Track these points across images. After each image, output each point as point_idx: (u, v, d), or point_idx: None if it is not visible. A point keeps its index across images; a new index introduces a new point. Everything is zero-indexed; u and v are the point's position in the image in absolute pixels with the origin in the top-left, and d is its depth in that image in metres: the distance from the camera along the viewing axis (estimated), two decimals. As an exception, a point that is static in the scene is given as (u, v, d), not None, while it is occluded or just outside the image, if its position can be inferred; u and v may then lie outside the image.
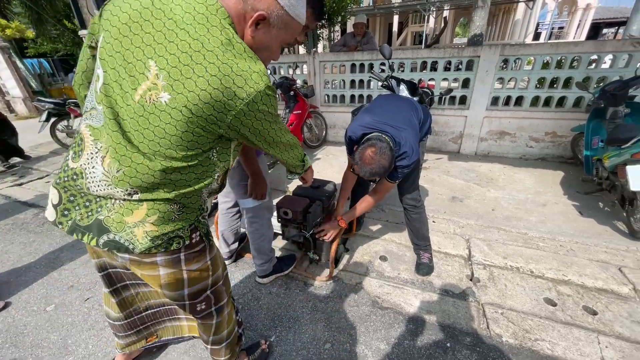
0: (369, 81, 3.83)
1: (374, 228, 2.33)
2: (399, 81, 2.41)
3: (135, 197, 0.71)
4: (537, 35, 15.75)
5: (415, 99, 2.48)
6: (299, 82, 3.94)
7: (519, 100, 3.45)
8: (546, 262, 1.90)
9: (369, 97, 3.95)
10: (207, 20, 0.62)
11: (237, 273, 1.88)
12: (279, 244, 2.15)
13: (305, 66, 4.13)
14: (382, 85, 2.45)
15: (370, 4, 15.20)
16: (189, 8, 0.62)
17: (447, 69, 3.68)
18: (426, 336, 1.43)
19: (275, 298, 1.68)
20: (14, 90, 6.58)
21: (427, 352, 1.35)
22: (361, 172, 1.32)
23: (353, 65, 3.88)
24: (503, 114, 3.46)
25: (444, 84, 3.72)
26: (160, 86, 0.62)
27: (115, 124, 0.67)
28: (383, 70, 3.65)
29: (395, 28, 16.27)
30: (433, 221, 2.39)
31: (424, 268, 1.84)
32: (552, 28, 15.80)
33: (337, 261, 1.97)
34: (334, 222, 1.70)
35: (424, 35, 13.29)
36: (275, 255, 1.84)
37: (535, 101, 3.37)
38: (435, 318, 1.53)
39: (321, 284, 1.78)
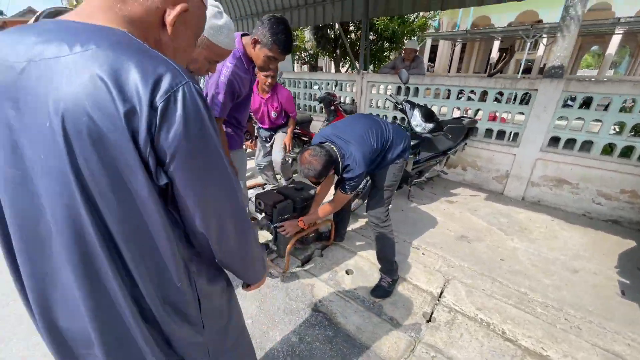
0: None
1: (357, 243, 2.36)
2: (413, 106, 2.41)
3: None
4: (703, 73, 11.93)
5: (431, 125, 2.44)
6: (341, 99, 4.21)
7: (586, 145, 2.88)
8: (529, 329, 1.61)
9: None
10: None
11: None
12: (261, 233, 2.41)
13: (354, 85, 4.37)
14: (397, 109, 2.48)
15: (468, 28, 14.38)
16: None
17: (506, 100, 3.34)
18: (339, 347, 1.45)
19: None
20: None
21: (330, 359, 1.38)
22: (298, 171, 1.49)
23: (399, 88, 3.91)
24: (562, 158, 2.94)
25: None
26: None
27: None
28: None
29: (493, 54, 14.90)
30: (423, 253, 2.26)
31: (379, 290, 1.81)
32: None
33: (306, 261, 2.11)
34: (294, 221, 1.87)
35: (523, 62, 11.75)
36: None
37: (609, 149, 2.75)
38: (361, 337, 1.52)
39: (279, 275, 1.96)
